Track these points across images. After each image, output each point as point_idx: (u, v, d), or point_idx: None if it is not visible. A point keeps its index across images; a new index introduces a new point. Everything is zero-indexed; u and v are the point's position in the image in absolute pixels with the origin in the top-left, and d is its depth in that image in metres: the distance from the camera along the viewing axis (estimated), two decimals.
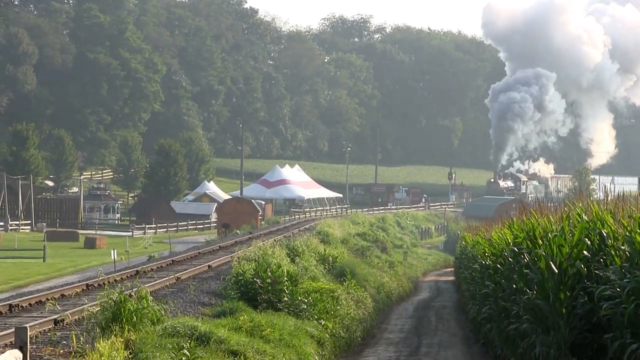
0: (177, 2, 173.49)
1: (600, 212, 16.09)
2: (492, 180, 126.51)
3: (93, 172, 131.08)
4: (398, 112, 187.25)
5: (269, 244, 36.68)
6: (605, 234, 15.46)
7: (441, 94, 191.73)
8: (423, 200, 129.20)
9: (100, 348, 15.59)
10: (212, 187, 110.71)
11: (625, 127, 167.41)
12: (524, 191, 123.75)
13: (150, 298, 19.10)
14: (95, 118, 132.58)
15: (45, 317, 20.09)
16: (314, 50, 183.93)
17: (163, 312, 19.62)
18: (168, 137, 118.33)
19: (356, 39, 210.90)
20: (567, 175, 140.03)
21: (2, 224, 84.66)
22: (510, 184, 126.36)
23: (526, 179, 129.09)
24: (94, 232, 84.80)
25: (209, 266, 34.38)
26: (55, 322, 19.57)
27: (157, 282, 27.88)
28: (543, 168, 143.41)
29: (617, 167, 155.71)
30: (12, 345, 15.13)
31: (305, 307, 26.15)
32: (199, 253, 41.34)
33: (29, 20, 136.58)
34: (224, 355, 18.32)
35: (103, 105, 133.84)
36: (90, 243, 72.24)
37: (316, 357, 22.98)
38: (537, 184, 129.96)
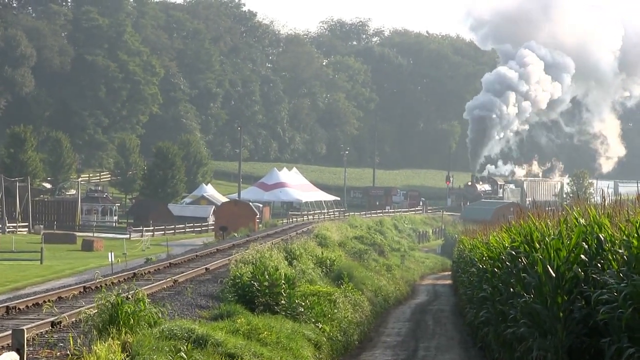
0: (176, 4, 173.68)
1: (597, 216, 16.08)
2: (470, 183, 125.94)
3: (91, 175, 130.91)
4: (396, 116, 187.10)
5: (266, 246, 36.62)
6: (602, 238, 15.44)
7: (439, 97, 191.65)
8: (421, 203, 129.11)
9: (97, 350, 15.57)
10: (209, 190, 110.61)
11: (624, 130, 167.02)
12: (501, 195, 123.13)
13: (148, 300, 19.08)
14: (93, 120, 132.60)
15: (43, 320, 20.07)
16: (312, 54, 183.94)
17: (160, 315, 19.58)
18: (166, 140, 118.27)
19: (354, 42, 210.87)
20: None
21: None
22: (487, 187, 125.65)
23: (503, 183, 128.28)
24: (91, 234, 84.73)
25: (206, 269, 34.35)
26: (53, 324, 19.55)
27: (154, 284, 27.86)
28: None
29: (615, 171, 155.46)
30: (9, 348, 15.11)
31: (302, 310, 26.14)
32: (196, 256, 41.29)
33: (28, 22, 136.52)
34: (221, 358, 18.32)
35: (101, 108, 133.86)
36: (88, 245, 72.16)
37: None
38: (514, 187, 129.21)
